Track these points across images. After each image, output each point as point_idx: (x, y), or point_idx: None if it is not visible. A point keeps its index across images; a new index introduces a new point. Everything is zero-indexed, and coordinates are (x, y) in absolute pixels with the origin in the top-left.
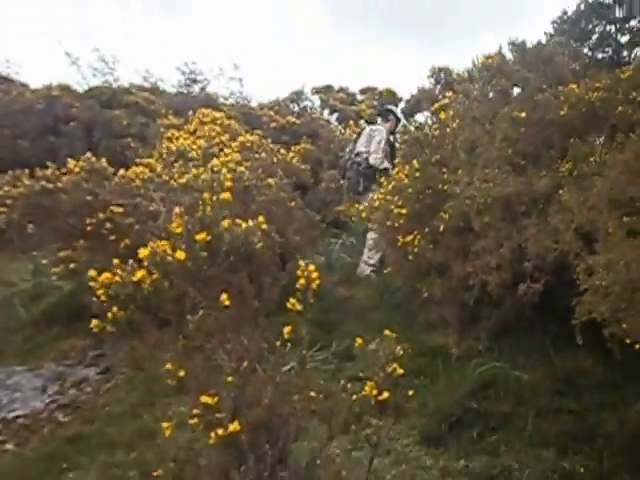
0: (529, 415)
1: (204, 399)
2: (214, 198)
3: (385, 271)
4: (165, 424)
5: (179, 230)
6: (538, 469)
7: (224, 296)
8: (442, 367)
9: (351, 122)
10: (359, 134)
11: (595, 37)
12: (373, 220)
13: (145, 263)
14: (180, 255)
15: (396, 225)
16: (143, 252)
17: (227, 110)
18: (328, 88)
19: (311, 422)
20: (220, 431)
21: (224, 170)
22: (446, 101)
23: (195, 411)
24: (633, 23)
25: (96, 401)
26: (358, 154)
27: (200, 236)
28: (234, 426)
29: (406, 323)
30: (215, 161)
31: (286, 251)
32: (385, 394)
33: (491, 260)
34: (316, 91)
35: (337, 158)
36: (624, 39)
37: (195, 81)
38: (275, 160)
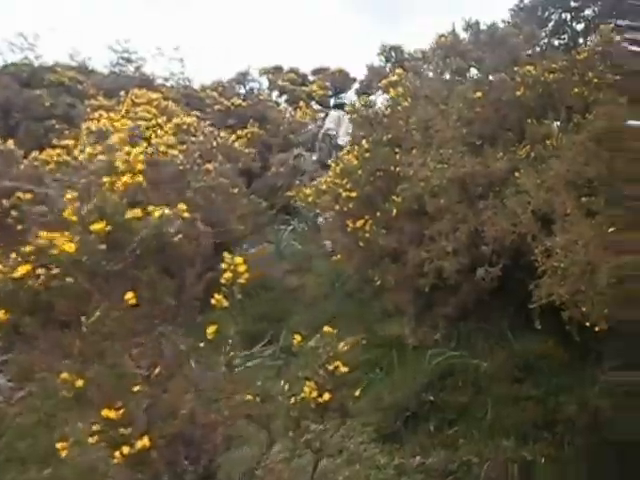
0: (488, 404)
1: (106, 413)
2: (119, 182)
3: (334, 258)
4: (60, 445)
5: (74, 219)
6: (498, 461)
7: (129, 294)
8: (398, 358)
9: (302, 104)
10: (326, 115)
11: (551, 24)
12: (320, 205)
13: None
14: (69, 248)
15: (345, 210)
16: (27, 247)
17: (166, 91)
18: (277, 69)
19: (247, 429)
20: (126, 449)
21: (135, 149)
22: (395, 78)
23: (95, 427)
24: (588, 12)
25: (7, 411)
26: (329, 129)
27: (97, 226)
28: (143, 442)
29: (360, 312)
30: (114, 138)
31: (228, 240)
32: (326, 396)
33: (447, 245)
34: (264, 72)
35: (287, 141)
36: (580, 27)
37: (129, 60)
38: (215, 144)
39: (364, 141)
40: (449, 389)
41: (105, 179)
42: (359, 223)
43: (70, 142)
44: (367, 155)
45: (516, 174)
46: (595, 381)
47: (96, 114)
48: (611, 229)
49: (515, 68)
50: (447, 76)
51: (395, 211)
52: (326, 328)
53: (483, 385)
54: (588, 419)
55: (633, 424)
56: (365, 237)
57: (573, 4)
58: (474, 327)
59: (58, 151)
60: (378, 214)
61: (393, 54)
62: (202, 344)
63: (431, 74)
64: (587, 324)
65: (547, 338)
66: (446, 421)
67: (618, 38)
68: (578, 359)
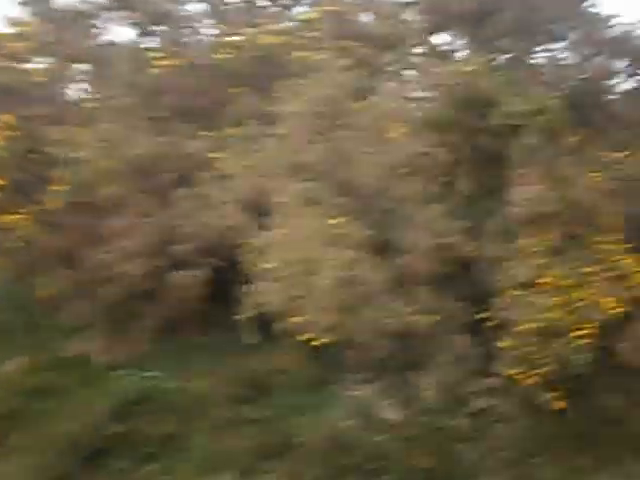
0: (200, 433)
1: None
2: None
3: None
4: None
5: None
6: None
7: None
8: (81, 381)
9: None
10: None
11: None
12: None
13: None
14: None
15: None
16: None
17: None
18: None
19: None
20: None
21: None
22: (24, 29)
23: None
24: None
25: None
26: None
27: None
28: None
29: (32, 327)
30: None
31: None
32: None
33: (132, 243)
34: None
35: None
36: None
37: None
38: None
39: (8, 116)
40: (149, 416)
41: None
42: (11, 218)
43: None
44: (14, 133)
45: (219, 156)
46: (334, 397)
47: None
48: (336, 220)
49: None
50: (116, 32)
51: (56, 202)
52: None
53: (195, 410)
54: (326, 441)
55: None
56: (23, 236)
57: None
58: (186, 342)
59: None
60: (37, 207)
61: (40, 6)
62: None
63: (89, 30)
64: (307, 336)
65: (288, 351)
66: (143, 456)
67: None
68: (318, 373)
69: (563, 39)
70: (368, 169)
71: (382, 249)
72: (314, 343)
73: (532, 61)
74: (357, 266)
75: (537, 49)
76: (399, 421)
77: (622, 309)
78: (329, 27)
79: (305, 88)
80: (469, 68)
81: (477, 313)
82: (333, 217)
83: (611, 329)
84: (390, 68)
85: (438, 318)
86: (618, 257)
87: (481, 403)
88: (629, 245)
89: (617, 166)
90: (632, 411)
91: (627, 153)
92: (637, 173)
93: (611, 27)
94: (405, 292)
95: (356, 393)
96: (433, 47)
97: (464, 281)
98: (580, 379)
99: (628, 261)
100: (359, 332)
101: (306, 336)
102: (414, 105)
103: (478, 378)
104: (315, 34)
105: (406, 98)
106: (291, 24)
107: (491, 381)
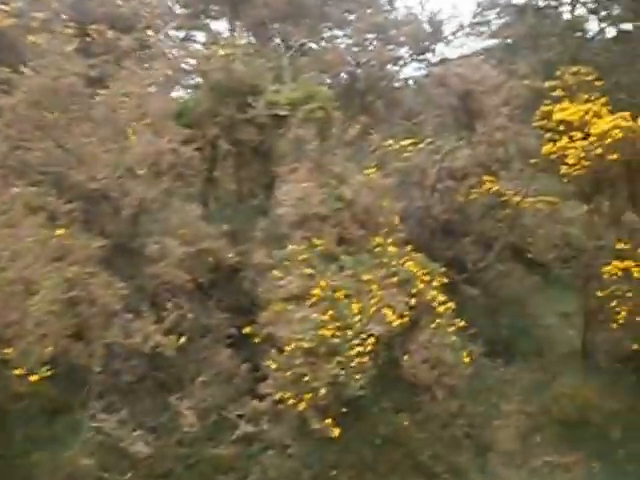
0: None
1: None
2: None
3: None
4: None
5: None
6: None
7: None
8: None
9: None
10: None
11: None
12: None
13: None
14: None
15: None
16: None
17: None
18: None
19: None
20: None
21: None
22: None
23: None
24: None
25: None
26: None
27: None
28: None
29: None
30: None
31: None
32: None
33: None
34: None
35: None
36: None
37: None
38: None
39: None
40: None
41: None
42: None
43: None
44: None
45: None
46: (81, 430)
47: None
48: (62, 230)
49: None
50: None
51: None
52: None
53: None
54: None
55: None
56: None
57: None
58: None
59: None
60: None
61: None
62: None
63: None
64: (23, 370)
65: (19, 375)
66: None
67: None
68: (64, 400)
69: (341, 23)
70: (103, 169)
71: (123, 260)
72: (33, 378)
73: (306, 46)
74: (88, 283)
75: (312, 33)
76: (150, 454)
77: (406, 319)
78: (61, 7)
79: (27, 77)
80: (226, 52)
81: (243, 327)
82: (59, 226)
83: (394, 342)
84: (134, 53)
85: (194, 334)
86: (399, 261)
87: (249, 428)
88: (410, 247)
89: (398, 157)
90: (416, 431)
91: (411, 141)
92: (419, 163)
93: (393, 10)
94: (156, 306)
95: (100, 424)
96: (188, 30)
97: (228, 291)
98: (359, 400)
99: (410, 264)
100: (94, 358)
101: (21, 370)
102: (161, 95)
103: (245, 400)
104: (48, 15)
105: (152, 86)
106: (22, 4)
107: (260, 404)
